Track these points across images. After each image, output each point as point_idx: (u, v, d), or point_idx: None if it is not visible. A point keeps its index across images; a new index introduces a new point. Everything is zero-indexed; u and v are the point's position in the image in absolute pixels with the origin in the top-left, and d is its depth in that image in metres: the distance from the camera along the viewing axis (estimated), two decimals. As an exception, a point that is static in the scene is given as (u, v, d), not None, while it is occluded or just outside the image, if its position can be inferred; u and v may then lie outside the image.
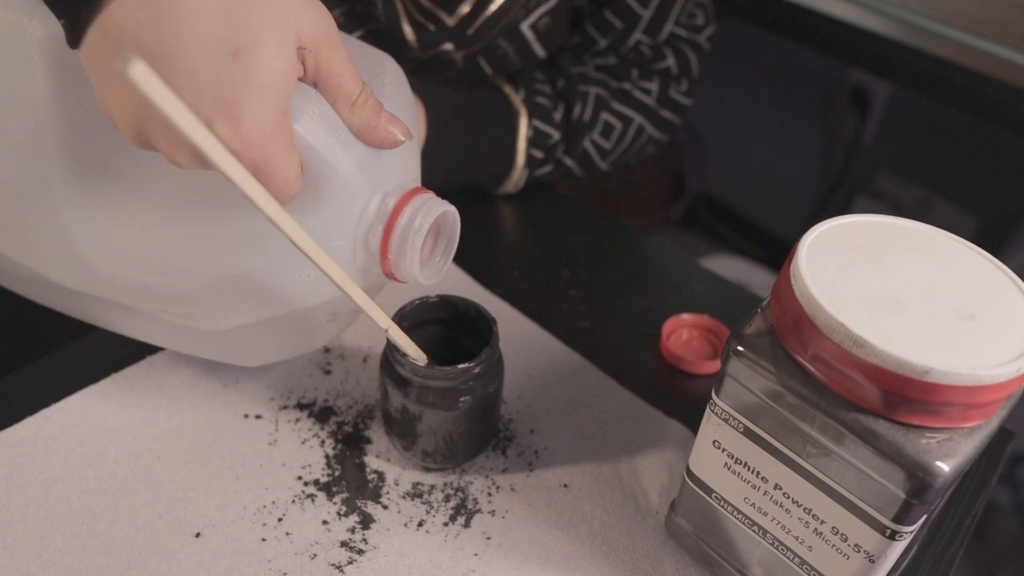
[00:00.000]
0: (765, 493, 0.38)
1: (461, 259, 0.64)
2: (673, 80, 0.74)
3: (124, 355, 0.53)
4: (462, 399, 0.44)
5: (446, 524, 0.46)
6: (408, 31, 0.67)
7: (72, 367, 0.52)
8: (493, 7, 0.66)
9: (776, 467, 0.37)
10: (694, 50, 0.75)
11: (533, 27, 0.69)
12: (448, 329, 0.48)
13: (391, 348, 0.44)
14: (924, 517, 0.34)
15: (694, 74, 0.75)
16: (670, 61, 0.73)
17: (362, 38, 0.67)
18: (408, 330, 0.47)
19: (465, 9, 0.66)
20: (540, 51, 0.72)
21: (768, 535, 0.40)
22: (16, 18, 0.40)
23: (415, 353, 0.44)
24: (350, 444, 0.50)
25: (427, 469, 0.49)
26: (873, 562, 0.36)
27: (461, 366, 0.43)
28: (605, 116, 0.71)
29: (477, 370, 0.44)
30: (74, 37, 0.35)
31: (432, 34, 0.67)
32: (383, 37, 0.68)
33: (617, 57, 0.73)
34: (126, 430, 0.49)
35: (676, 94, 0.75)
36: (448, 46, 0.68)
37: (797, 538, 0.38)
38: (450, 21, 0.67)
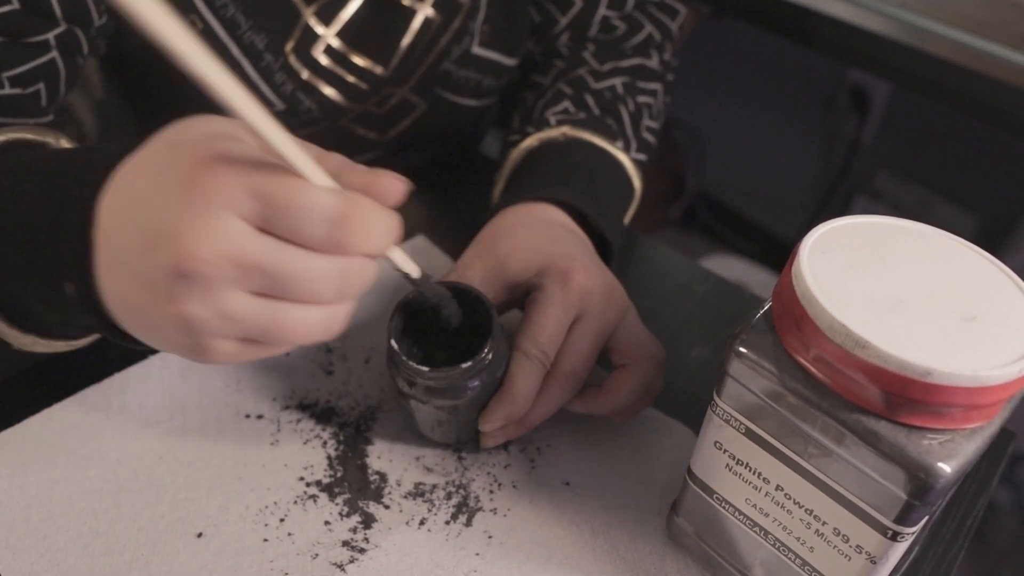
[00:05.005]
0: (766, 494, 0.39)
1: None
2: (659, 47, 0.73)
3: (126, 355, 0.53)
4: (471, 385, 0.45)
5: (448, 523, 0.46)
6: (325, 88, 0.61)
7: (74, 367, 0.52)
8: (418, 44, 0.63)
9: (777, 468, 0.37)
10: (668, 13, 0.73)
11: (484, 44, 0.66)
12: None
13: (394, 352, 0.44)
14: (926, 518, 0.34)
15: (674, 36, 0.74)
16: (649, 29, 0.71)
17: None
18: (410, 318, 0.47)
19: (395, 62, 0.62)
20: (508, 61, 0.69)
21: (769, 536, 0.40)
22: None
23: (411, 267, 0.41)
24: (352, 445, 0.50)
25: (438, 447, 0.50)
26: (875, 563, 0.36)
27: (464, 365, 0.43)
28: (641, 99, 0.68)
29: (483, 363, 0.44)
30: (87, 295, 0.34)
31: (363, 91, 0.63)
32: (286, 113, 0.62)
33: (590, 42, 0.71)
34: (128, 430, 0.49)
35: (669, 56, 0.74)
36: (387, 90, 0.65)
37: (799, 539, 0.38)
38: (382, 72, 0.63)
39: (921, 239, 0.37)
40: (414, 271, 0.40)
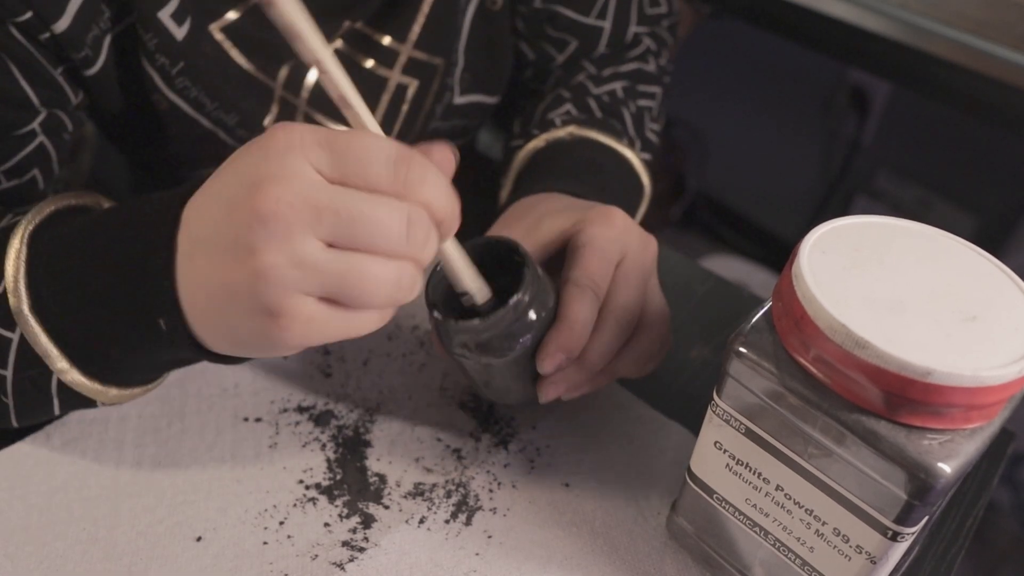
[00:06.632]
0: (766, 494, 0.38)
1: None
2: (656, 55, 0.73)
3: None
4: (519, 339, 0.42)
5: (447, 521, 0.46)
6: None
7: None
8: (397, 114, 0.62)
9: (777, 468, 0.37)
10: (667, 28, 0.74)
11: (465, 91, 0.65)
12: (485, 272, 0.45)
13: (439, 326, 0.43)
14: (926, 518, 0.34)
15: (670, 45, 0.75)
16: (647, 43, 0.72)
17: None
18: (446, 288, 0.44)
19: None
20: (490, 100, 0.68)
21: (769, 536, 0.40)
22: None
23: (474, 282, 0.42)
24: (351, 447, 0.50)
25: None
26: (875, 563, 0.36)
27: (508, 305, 0.41)
28: (642, 102, 0.69)
29: (525, 300, 0.42)
30: (172, 310, 0.36)
31: None
32: None
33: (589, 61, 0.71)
34: (127, 439, 0.49)
35: (665, 63, 0.74)
36: None
37: (798, 539, 0.38)
38: None
39: (921, 239, 0.37)
40: (476, 288, 0.42)
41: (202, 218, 0.35)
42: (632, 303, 0.45)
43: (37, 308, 0.40)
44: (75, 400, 0.43)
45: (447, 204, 0.35)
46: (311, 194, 0.32)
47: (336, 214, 0.32)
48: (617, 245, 0.46)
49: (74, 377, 0.41)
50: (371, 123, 0.35)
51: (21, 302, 0.40)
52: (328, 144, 0.33)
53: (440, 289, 0.44)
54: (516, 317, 0.41)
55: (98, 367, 0.42)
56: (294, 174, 0.32)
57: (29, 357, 0.41)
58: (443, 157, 0.36)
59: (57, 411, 0.44)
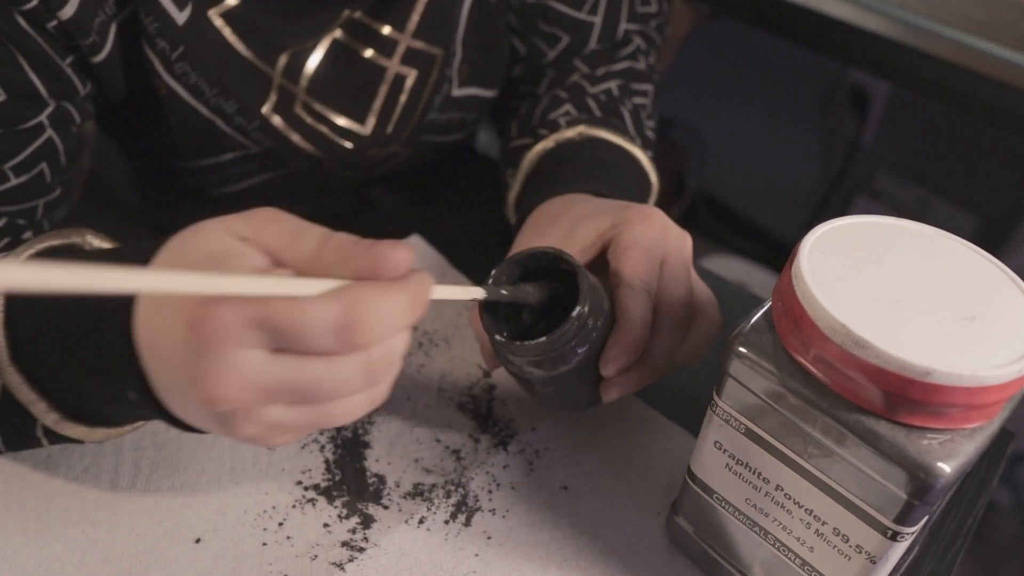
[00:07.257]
0: (766, 494, 0.38)
1: (461, 263, 0.64)
2: (646, 53, 0.73)
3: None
4: (579, 350, 0.42)
5: (447, 522, 0.46)
6: (307, 146, 0.62)
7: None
8: (395, 103, 0.62)
9: (777, 468, 0.37)
10: (656, 28, 0.74)
11: (463, 84, 0.65)
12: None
13: (501, 347, 0.42)
14: (925, 518, 0.34)
15: (659, 45, 0.75)
16: (637, 41, 0.72)
17: (234, 161, 0.63)
18: (496, 311, 0.44)
19: (372, 121, 0.62)
20: (488, 93, 0.69)
21: (769, 536, 0.39)
22: None
23: (470, 293, 0.40)
24: (350, 449, 0.50)
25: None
26: (874, 563, 0.35)
27: (570, 319, 0.40)
28: (636, 100, 0.68)
29: (585, 311, 0.41)
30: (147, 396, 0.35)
31: (347, 151, 0.62)
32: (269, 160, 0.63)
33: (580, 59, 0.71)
34: (125, 442, 0.49)
35: (653, 60, 0.74)
36: (373, 150, 0.64)
37: (798, 539, 0.38)
38: (364, 131, 0.62)
39: (920, 239, 0.37)
40: (477, 293, 0.39)
41: (155, 350, 0.33)
42: (684, 299, 0.46)
43: (17, 359, 0.39)
44: (63, 439, 0.42)
45: (409, 320, 0.32)
46: (256, 381, 0.30)
47: (292, 389, 0.31)
48: (660, 244, 0.46)
49: (60, 422, 0.40)
50: (301, 288, 0.30)
51: (1, 352, 0.38)
52: (263, 323, 0.29)
53: (492, 309, 0.43)
54: (578, 329, 0.41)
55: (83, 416, 0.41)
56: (230, 368, 0.29)
57: (13, 404, 0.40)
58: (398, 261, 0.31)
59: (46, 447, 0.43)
